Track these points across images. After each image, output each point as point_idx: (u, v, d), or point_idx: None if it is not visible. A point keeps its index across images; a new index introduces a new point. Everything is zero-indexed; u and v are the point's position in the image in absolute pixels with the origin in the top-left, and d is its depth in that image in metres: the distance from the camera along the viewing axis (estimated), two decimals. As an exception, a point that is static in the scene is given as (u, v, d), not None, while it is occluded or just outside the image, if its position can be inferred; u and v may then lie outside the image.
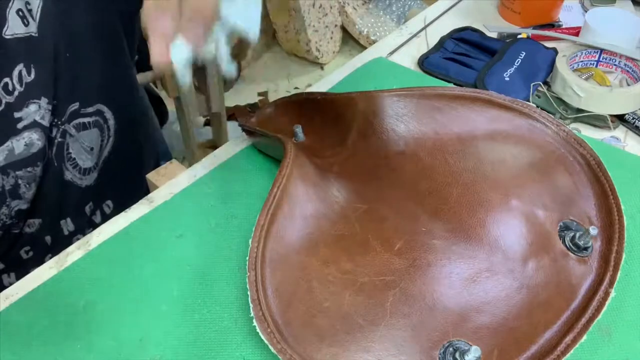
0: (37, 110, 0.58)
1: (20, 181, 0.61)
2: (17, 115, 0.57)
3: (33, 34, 0.55)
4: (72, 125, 0.65)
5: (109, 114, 0.69)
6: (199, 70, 1.26)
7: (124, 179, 0.74)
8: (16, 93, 0.55)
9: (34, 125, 0.59)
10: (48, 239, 0.69)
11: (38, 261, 0.66)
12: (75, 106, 0.64)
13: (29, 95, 0.57)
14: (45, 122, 0.60)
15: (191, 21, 0.41)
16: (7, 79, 0.54)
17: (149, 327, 0.47)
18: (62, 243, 0.69)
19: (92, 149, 0.69)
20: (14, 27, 0.53)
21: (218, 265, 0.51)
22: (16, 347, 0.46)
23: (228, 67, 0.48)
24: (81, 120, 0.66)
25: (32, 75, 0.56)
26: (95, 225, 0.69)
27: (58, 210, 0.68)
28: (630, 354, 0.44)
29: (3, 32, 0.53)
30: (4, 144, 0.58)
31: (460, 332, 0.42)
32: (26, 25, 0.54)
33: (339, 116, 0.57)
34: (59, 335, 0.46)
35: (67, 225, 0.70)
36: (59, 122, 0.63)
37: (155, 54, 0.41)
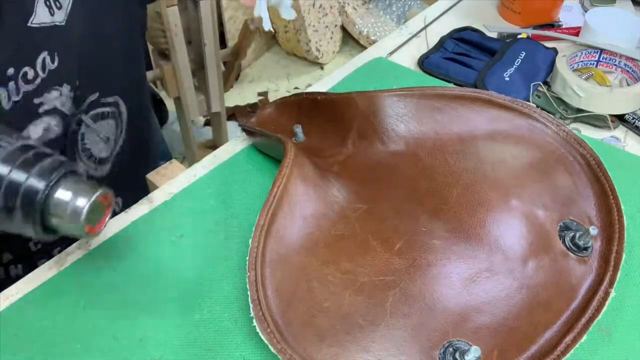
0: (58, 97, 0.59)
1: None
2: (37, 101, 0.58)
3: (58, 23, 0.57)
4: (90, 116, 0.66)
5: (123, 107, 0.71)
6: (199, 70, 1.26)
7: (132, 176, 0.75)
8: (38, 80, 0.57)
9: (54, 111, 0.60)
10: None
11: (46, 254, 0.67)
12: (94, 96, 0.66)
13: (52, 82, 0.58)
14: (66, 110, 0.61)
15: None
16: (27, 68, 0.55)
17: (149, 327, 0.47)
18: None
19: (108, 139, 0.70)
20: (42, 17, 0.55)
21: (218, 265, 0.51)
22: (16, 347, 0.46)
23: (286, 11, 0.63)
24: (99, 110, 0.67)
25: (56, 63, 0.58)
26: None
27: None
28: (630, 354, 0.44)
29: (30, 21, 0.54)
30: (22, 131, 0.58)
31: (460, 332, 0.42)
32: (52, 15, 0.56)
33: (338, 116, 0.57)
34: (59, 335, 0.46)
35: None
36: (76, 111, 0.64)
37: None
